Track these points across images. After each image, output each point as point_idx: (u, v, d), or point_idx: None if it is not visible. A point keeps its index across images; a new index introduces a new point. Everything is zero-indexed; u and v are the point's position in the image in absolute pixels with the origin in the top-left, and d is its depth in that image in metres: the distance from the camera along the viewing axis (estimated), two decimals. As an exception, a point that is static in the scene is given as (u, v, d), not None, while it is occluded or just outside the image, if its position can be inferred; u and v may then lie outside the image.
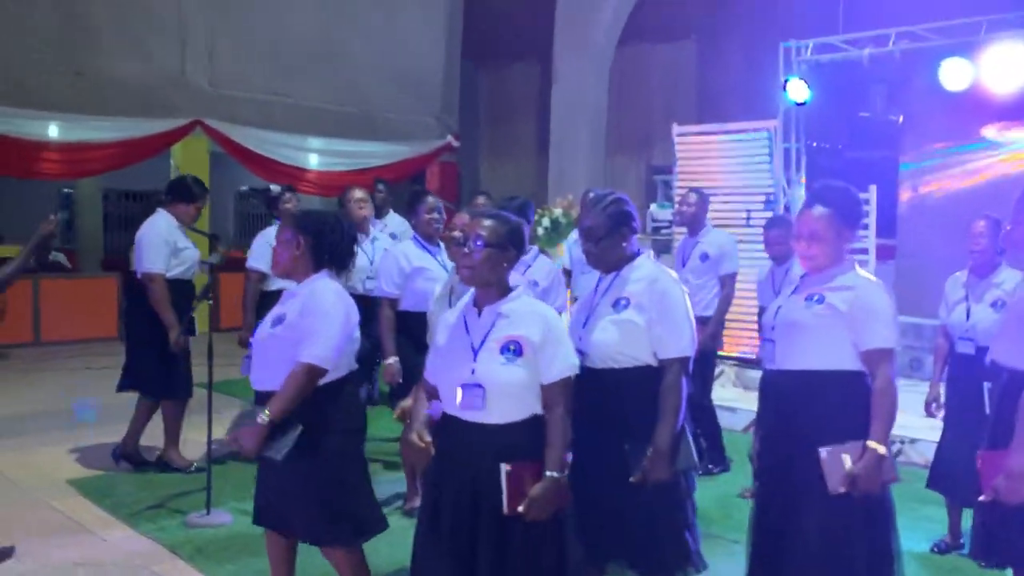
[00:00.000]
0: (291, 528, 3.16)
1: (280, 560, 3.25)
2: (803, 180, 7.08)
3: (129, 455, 5.33)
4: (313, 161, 11.98)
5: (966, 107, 6.25)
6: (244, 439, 2.96)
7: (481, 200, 5.76)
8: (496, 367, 2.62)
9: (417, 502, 4.65)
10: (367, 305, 4.52)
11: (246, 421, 2.99)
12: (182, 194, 5.20)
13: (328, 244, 3.19)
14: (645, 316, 2.90)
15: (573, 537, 2.73)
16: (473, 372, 2.64)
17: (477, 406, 2.62)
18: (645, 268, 3.01)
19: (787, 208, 7.05)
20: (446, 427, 2.73)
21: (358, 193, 5.07)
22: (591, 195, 3.14)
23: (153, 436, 5.47)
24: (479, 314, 2.72)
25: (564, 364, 2.66)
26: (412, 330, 4.32)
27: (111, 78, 10.19)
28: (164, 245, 5.04)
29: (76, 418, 5.42)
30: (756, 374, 5.27)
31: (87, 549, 4.18)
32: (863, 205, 3.06)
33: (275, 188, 5.01)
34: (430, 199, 4.61)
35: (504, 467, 2.57)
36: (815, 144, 7.04)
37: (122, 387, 5.32)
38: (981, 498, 2.80)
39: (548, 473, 2.58)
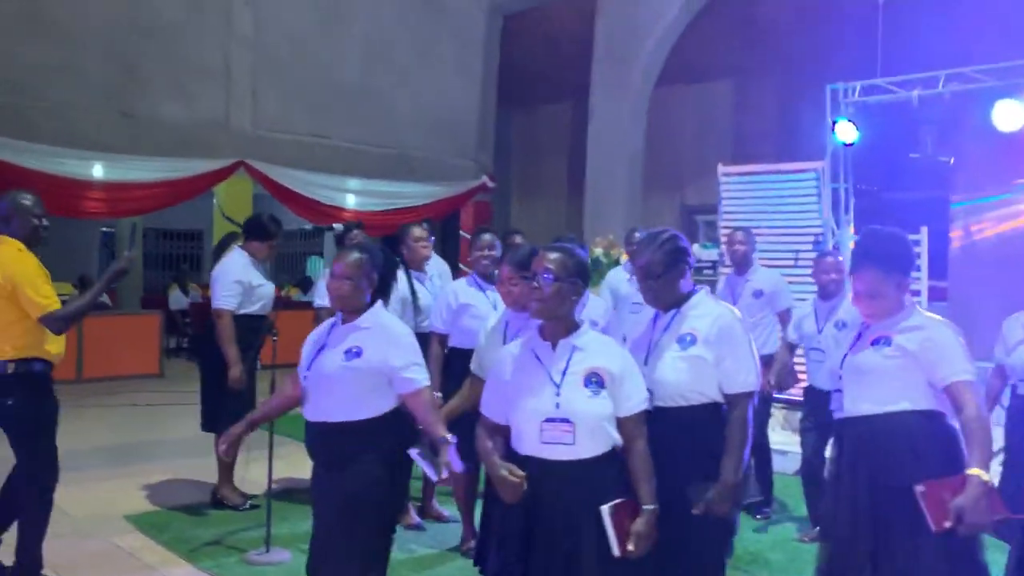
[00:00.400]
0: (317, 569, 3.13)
1: None
2: (851, 221, 7.06)
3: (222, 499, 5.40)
4: (352, 201, 12.10)
5: (1019, 148, 6.24)
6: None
7: (518, 239, 5.76)
8: (583, 400, 2.62)
9: (473, 543, 4.61)
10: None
11: (430, 454, 3.04)
12: (258, 232, 5.28)
13: (389, 280, 3.31)
14: (713, 352, 2.88)
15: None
16: (558, 406, 2.61)
17: (566, 441, 2.59)
18: (707, 304, 3.01)
19: (836, 248, 7.02)
20: (521, 467, 2.65)
21: (418, 231, 5.07)
22: (636, 234, 3.13)
23: (210, 472, 5.49)
24: (553, 348, 2.71)
25: (641, 396, 2.71)
26: (456, 366, 4.32)
27: (156, 119, 10.39)
28: (236, 284, 5.10)
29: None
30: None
31: (149, 587, 4.18)
32: (912, 248, 3.03)
33: (338, 227, 5.04)
34: (486, 236, 4.61)
35: (605, 510, 2.55)
36: (863, 186, 7.03)
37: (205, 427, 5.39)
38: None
39: (645, 507, 2.61)
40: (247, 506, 5.23)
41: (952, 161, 6.82)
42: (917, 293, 6.37)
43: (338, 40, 11.87)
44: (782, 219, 7.17)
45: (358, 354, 3.06)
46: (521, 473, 2.62)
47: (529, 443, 2.66)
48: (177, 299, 12.83)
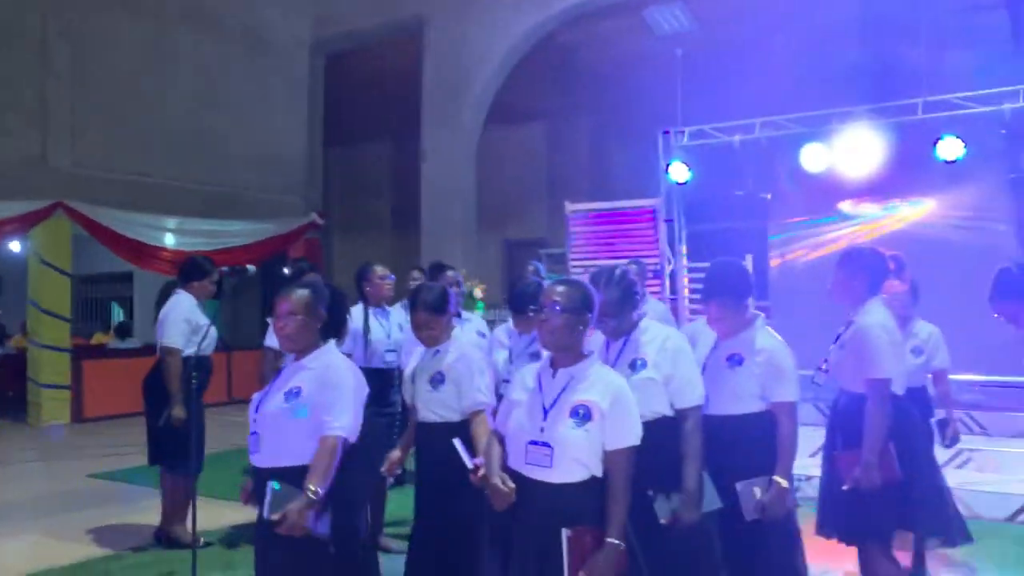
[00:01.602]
0: None
1: None
2: (684, 251, 7.87)
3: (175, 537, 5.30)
4: (175, 241, 11.74)
5: (824, 185, 7.27)
6: (295, 518, 2.83)
7: (416, 274, 6.05)
8: (565, 429, 2.71)
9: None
10: (387, 379, 4.70)
11: (288, 500, 2.85)
12: (195, 273, 5.28)
13: (339, 319, 3.23)
14: (661, 373, 3.22)
15: None
16: (542, 431, 2.75)
17: (544, 464, 2.73)
18: (653, 329, 3.35)
19: (672, 276, 7.79)
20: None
21: (380, 269, 5.13)
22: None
23: (85, 525, 5.42)
24: (553, 375, 2.82)
25: (630, 434, 2.74)
26: None
27: (-36, 159, 9.72)
28: (185, 323, 5.07)
29: None
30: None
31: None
32: (749, 275, 3.66)
33: (251, 268, 5.01)
34: (449, 273, 4.75)
35: (565, 532, 2.62)
36: (693, 220, 7.88)
37: (152, 460, 5.30)
38: (844, 487, 3.43)
39: (608, 540, 2.64)
40: (201, 543, 5.01)
41: (769, 197, 7.79)
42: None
43: (162, 77, 11.58)
44: (624, 252, 7.83)
45: (297, 394, 2.98)
46: (512, 485, 2.79)
47: (515, 460, 2.83)
48: (-13, 351, 11.85)
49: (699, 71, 9.33)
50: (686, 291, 7.39)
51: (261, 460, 2.99)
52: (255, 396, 3.15)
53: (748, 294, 3.54)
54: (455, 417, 3.61)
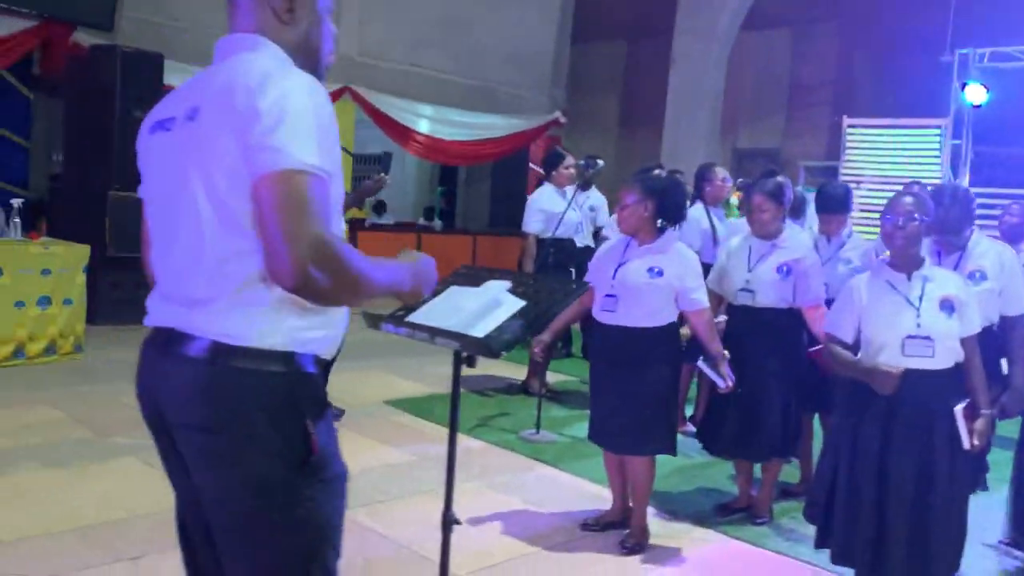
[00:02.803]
0: (613, 444, 3.79)
1: (616, 469, 3.95)
2: (967, 175, 7.84)
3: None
4: (431, 128, 12.61)
5: None
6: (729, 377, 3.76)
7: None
8: (940, 321, 3.09)
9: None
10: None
11: (713, 366, 3.79)
12: (551, 163, 6.09)
13: (669, 205, 3.72)
14: (999, 284, 3.62)
15: None
16: (919, 326, 3.11)
17: (926, 354, 3.10)
18: (985, 243, 3.71)
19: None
20: None
21: (721, 172, 5.71)
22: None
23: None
24: (908, 278, 3.16)
25: (976, 321, 3.17)
26: None
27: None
28: (540, 211, 5.91)
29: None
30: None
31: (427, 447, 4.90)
32: None
33: (600, 163, 5.72)
34: (778, 178, 5.23)
35: (958, 410, 3.09)
36: (979, 142, 7.80)
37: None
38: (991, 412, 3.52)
39: (984, 412, 3.14)
40: (544, 393, 5.88)
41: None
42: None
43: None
44: (901, 171, 7.89)
45: (660, 273, 3.66)
46: (897, 366, 3.11)
47: (890, 355, 3.14)
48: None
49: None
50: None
51: (614, 319, 3.73)
52: (598, 269, 3.84)
53: None
54: (783, 305, 4.03)
